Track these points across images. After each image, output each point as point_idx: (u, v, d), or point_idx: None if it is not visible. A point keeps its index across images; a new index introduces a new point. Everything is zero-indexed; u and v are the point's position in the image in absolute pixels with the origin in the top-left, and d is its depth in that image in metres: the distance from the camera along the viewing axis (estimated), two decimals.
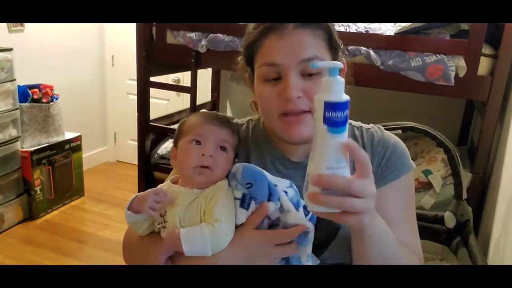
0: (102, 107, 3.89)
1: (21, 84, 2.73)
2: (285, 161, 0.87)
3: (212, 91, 3.11)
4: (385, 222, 0.74)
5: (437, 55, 1.66)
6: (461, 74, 1.65)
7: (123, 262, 0.89)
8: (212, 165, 0.79)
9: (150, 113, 2.44)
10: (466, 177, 1.65)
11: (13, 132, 2.67)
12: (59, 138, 2.99)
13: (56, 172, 2.98)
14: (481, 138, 1.69)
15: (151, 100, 2.41)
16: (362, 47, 1.75)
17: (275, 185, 0.79)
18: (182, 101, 3.40)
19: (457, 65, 1.65)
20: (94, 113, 3.81)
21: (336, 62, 0.62)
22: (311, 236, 0.78)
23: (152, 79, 2.36)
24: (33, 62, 3.08)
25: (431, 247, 1.54)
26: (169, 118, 2.73)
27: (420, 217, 1.10)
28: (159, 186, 0.86)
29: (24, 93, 2.77)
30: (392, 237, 0.75)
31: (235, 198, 0.78)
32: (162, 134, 2.57)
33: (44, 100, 2.85)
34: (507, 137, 1.55)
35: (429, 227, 1.54)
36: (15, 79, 2.62)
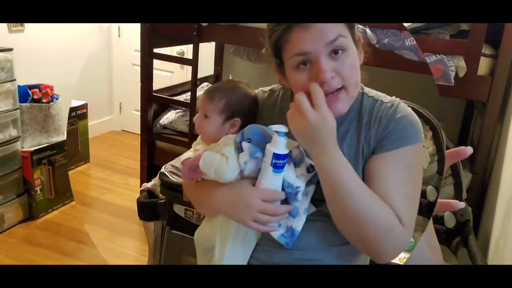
0: (108, 78, 3.97)
1: (21, 84, 2.73)
2: None
3: (215, 65, 3.12)
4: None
5: (437, 55, 1.66)
6: (461, 74, 1.64)
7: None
8: (199, 131, 0.98)
9: (154, 85, 2.47)
10: (466, 177, 1.65)
11: (13, 132, 2.67)
12: (59, 138, 2.98)
13: (56, 172, 2.97)
14: (481, 138, 1.69)
15: (156, 72, 2.45)
16: (358, 24, 1.76)
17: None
18: (186, 74, 3.41)
19: (457, 65, 1.64)
20: (101, 83, 3.89)
21: (284, 126, 0.82)
22: (303, 194, 0.86)
23: (156, 50, 2.37)
24: (33, 62, 3.08)
25: None
26: (172, 89, 2.76)
27: None
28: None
29: (24, 93, 2.77)
30: (366, 190, 0.80)
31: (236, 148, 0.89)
32: (164, 105, 2.61)
33: (44, 100, 2.85)
34: (507, 137, 1.55)
35: None
36: (15, 79, 2.61)
